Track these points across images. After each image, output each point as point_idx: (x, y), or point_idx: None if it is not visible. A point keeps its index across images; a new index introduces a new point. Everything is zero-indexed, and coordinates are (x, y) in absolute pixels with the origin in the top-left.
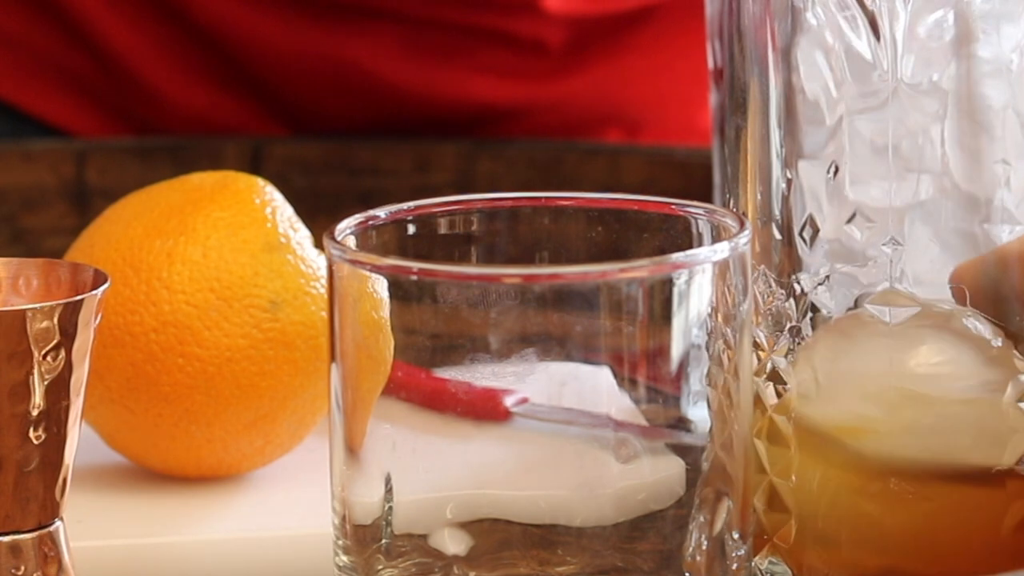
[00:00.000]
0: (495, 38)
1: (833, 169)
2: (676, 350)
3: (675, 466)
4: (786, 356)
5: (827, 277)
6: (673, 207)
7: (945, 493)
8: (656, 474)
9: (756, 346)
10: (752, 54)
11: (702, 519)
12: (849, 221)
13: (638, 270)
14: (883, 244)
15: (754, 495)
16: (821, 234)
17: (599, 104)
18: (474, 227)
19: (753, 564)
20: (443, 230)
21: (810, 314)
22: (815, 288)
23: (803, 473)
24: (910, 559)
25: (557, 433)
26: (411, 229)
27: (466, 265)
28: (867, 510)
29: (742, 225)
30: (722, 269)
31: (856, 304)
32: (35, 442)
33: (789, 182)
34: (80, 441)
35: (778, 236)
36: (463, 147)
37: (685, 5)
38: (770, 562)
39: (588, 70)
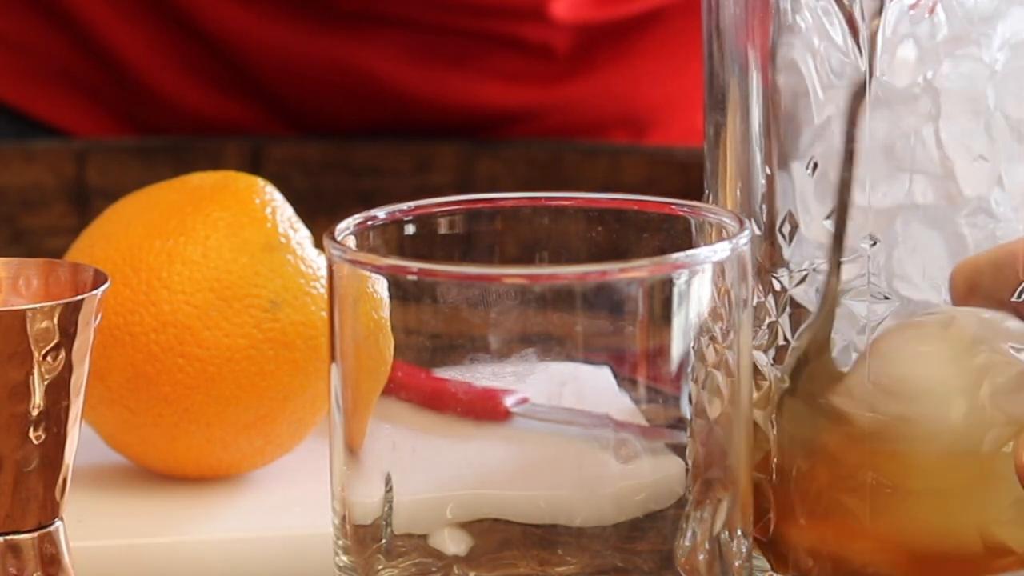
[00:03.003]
0: (503, 43)
1: (812, 166)
2: (676, 350)
3: (675, 466)
4: (765, 352)
5: (806, 274)
6: (673, 207)
7: (924, 488)
8: (656, 474)
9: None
10: (732, 53)
11: (702, 519)
12: (827, 218)
13: (638, 270)
14: (862, 241)
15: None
16: (801, 231)
17: (606, 107)
18: (474, 227)
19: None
20: (443, 230)
21: (789, 310)
22: (795, 285)
23: (783, 467)
24: (890, 553)
25: (557, 433)
26: (411, 229)
27: (466, 265)
28: (846, 504)
29: (742, 225)
30: (722, 269)
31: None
32: (35, 442)
33: (769, 179)
34: (80, 441)
35: (758, 232)
36: (463, 147)
37: (691, 9)
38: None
39: (595, 74)
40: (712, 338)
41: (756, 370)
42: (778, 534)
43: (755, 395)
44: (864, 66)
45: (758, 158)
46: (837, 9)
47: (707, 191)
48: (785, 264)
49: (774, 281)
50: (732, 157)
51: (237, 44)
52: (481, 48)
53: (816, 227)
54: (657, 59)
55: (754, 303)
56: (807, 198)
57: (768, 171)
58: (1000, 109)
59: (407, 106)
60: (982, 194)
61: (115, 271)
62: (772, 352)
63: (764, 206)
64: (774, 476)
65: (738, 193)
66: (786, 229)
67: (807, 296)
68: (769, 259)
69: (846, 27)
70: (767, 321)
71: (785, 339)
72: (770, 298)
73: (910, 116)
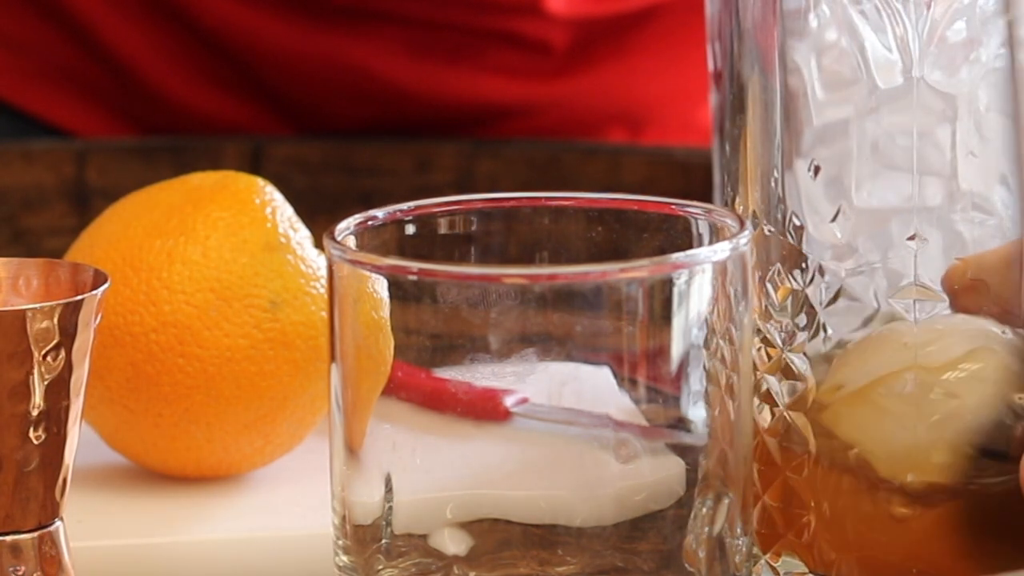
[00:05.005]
0: (500, 39)
1: (814, 168)
2: (676, 350)
3: (675, 466)
4: (803, 353)
5: (816, 273)
6: (673, 207)
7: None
8: (656, 474)
9: (767, 343)
10: (752, 54)
11: (702, 518)
12: (833, 220)
13: (638, 270)
14: (871, 241)
15: (765, 492)
16: (811, 231)
17: (603, 103)
18: (474, 227)
19: (766, 560)
20: (443, 230)
21: (805, 308)
22: (807, 284)
23: (820, 469)
24: (931, 553)
25: (557, 433)
26: (410, 229)
27: (466, 265)
28: (886, 504)
29: (742, 225)
30: (722, 269)
31: (837, 295)
32: (35, 442)
33: (787, 181)
34: (80, 441)
35: (782, 234)
36: (463, 147)
37: (688, 5)
38: (785, 559)
39: (592, 70)
40: (712, 338)
41: (791, 372)
42: (816, 536)
43: (791, 398)
44: (911, 63)
45: (778, 159)
46: (881, 8)
47: (731, 192)
48: (799, 264)
49: (798, 281)
50: (753, 157)
51: (235, 42)
52: (478, 44)
53: (825, 228)
54: (654, 55)
55: (788, 304)
56: (813, 199)
57: (785, 172)
58: (997, 107)
59: (404, 102)
60: (985, 193)
61: (115, 271)
62: (813, 354)
63: (783, 207)
64: (810, 476)
65: (758, 193)
66: (795, 229)
67: (816, 296)
68: (794, 259)
69: (895, 24)
70: (803, 322)
71: (825, 338)
72: (791, 299)
73: (927, 116)
